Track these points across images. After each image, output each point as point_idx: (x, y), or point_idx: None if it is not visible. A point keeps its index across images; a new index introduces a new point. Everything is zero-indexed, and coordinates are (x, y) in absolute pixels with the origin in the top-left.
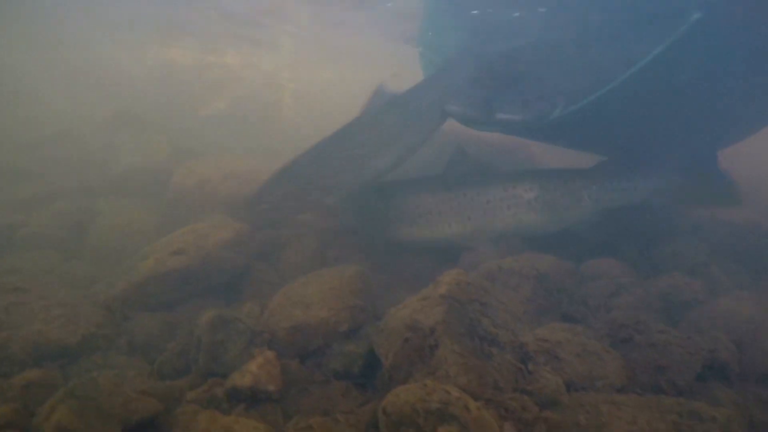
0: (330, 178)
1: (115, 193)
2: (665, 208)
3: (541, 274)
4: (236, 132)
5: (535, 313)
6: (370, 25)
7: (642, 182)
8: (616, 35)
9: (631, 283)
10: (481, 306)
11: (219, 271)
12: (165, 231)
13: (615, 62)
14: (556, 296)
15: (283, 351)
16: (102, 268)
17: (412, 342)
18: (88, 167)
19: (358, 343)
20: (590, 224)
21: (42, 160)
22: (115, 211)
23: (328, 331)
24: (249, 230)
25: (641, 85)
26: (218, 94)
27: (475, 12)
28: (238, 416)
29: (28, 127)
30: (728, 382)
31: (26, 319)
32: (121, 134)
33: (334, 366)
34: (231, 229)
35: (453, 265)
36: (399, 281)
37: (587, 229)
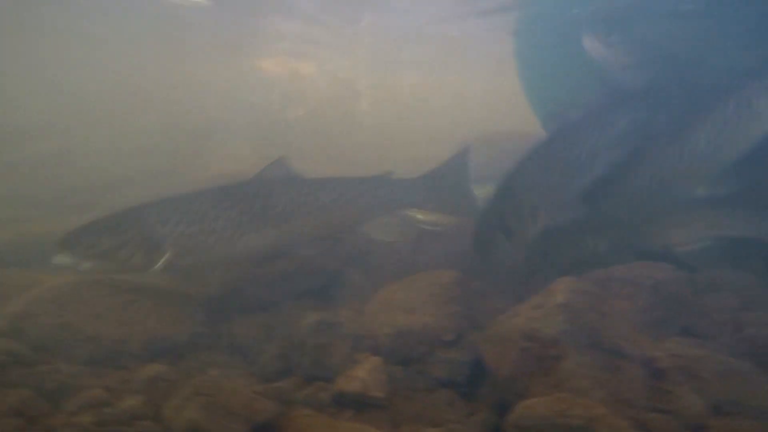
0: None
1: None
2: None
3: (657, 282)
4: (316, 140)
5: (652, 326)
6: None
7: None
8: None
9: (760, 297)
10: (600, 316)
11: (313, 274)
12: None
13: None
14: (675, 308)
15: (386, 357)
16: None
17: (531, 352)
18: (178, 176)
19: (461, 350)
20: None
21: (134, 170)
22: None
23: (432, 337)
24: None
25: None
26: (297, 102)
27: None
28: (351, 422)
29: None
30: None
31: (141, 316)
32: (209, 143)
33: (438, 374)
34: None
35: None
36: (492, 289)
37: None
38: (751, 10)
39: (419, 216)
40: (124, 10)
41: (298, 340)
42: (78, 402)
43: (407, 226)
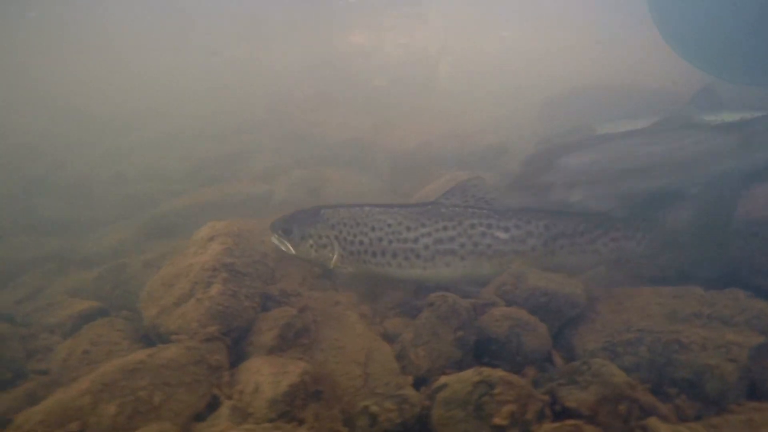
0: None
1: (332, 164)
2: None
3: None
4: (400, 108)
5: None
6: None
7: None
8: None
9: None
10: None
11: None
12: (388, 192)
13: None
14: None
15: None
16: None
17: None
18: (303, 142)
19: None
20: None
21: (264, 137)
22: (342, 178)
23: None
24: None
25: None
26: (382, 73)
27: None
28: None
29: (239, 112)
30: None
31: None
32: (321, 112)
33: None
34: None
35: None
36: None
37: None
38: None
39: None
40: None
41: None
42: None
43: None
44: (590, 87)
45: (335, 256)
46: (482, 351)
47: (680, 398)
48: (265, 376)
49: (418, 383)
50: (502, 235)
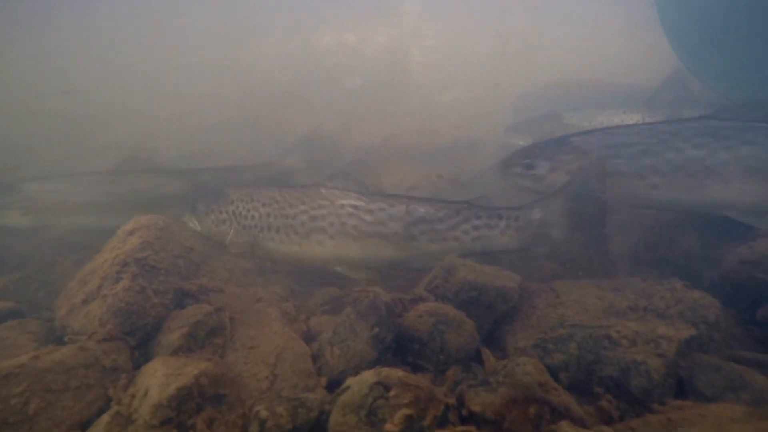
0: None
1: (299, 159)
2: None
3: None
4: (371, 106)
5: None
6: None
7: None
8: None
9: None
10: None
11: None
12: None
13: None
14: None
15: None
16: None
17: None
18: (270, 140)
19: None
20: None
21: (224, 141)
22: (304, 174)
23: None
24: None
25: None
26: (354, 71)
27: None
28: None
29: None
30: None
31: None
32: (290, 110)
33: None
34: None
35: None
36: None
37: None
38: None
39: None
40: None
41: None
42: None
43: None
44: (564, 82)
45: (232, 232)
46: (406, 350)
47: (606, 398)
48: (157, 379)
49: (335, 385)
50: (367, 217)
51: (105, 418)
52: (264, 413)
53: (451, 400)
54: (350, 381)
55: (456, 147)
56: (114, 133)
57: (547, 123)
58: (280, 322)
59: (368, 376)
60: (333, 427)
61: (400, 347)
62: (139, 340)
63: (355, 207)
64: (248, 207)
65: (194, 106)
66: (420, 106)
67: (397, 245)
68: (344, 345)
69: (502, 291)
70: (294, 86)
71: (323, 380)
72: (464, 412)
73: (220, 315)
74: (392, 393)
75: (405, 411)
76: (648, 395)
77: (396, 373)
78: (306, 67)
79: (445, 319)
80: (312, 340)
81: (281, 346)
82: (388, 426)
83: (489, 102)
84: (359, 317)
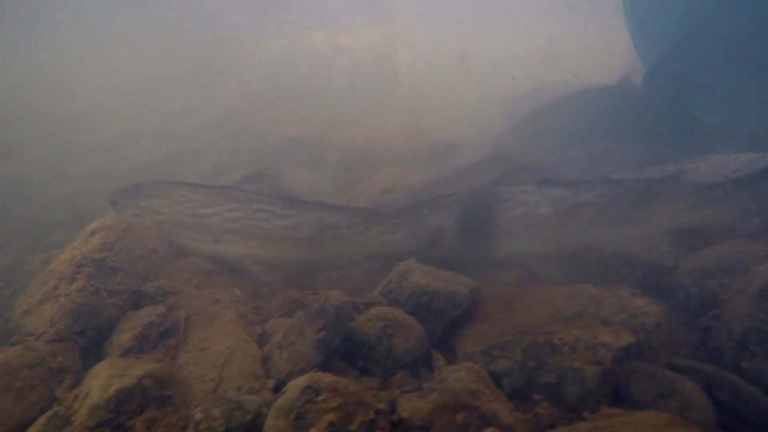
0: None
1: (283, 161)
2: None
3: None
4: (360, 105)
5: None
6: None
7: None
8: None
9: None
10: None
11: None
12: (336, 188)
13: None
14: None
15: None
16: None
17: None
18: (255, 140)
19: None
20: None
21: (207, 139)
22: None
23: None
24: None
25: None
26: (343, 72)
27: None
28: None
29: (200, 110)
30: None
31: None
32: (276, 111)
33: None
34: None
35: None
36: None
37: None
38: None
39: None
40: None
41: None
42: None
43: None
44: (544, 87)
45: None
46: (356, 354)
47: (542, 405)
48: (100, 380)
49: (282, 388)
50: (282, 221)
51: (42, 419)
52: (198, 415)
53: (383, 406)
54: (289, 384)
55: (436, 148)
56: (100, 132)
57: None
58: (235, 324)
59: (301, 380)
60: (266, 430)
61: (351, 351)
62: (90, 340)
63: (272, 212)
64: (162, 203)
65: (180, 106)
66: (407, 107)
67: (312, 249)
68: (292, 348)
69: (452, 296)
70: (280, 88)
71: (271, 383)
72: (395, 417)
73: (174, 316)
74: (321, 397)
75: (331, 416)
76: (581, 402)
77: (327, 378)
78: (293, 69)
79: (393, 323)
80: (267, 343)
81: (231, 348)
82: (313, 431)
83: (478, 105)
84: (308, 321)
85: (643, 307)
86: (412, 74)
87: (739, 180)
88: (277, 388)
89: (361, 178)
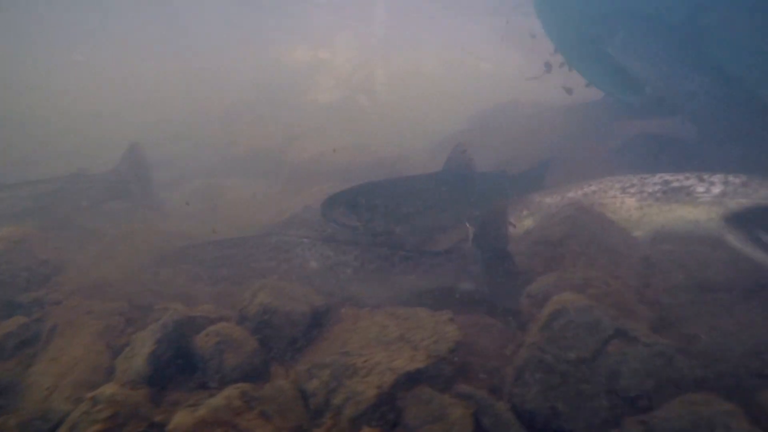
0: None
1: (240, 173)
2: None
3: None
4: (337, 119)
5: None
6: None
7: None
8: None
9: None
10: None
11: None
12: (286, 199)
13: None
14: None
15: None
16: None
17: None
18: (217, 153)
19: None
20: None
21: (175, 149)
22: (238, 186)
23: None
24: None
25: None
26: (317, 87)
27: None
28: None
29: (173, 121)
30: None
31: None
32: (241, 124)
33: None
34: None
35: None
36: None
37: None
38: None
39: None
40: None
41: None
42: None
43: None
44: (510, 102)
45: None
46: (195, 368)
47: (330, 419)
48: None
49: None
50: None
51: None
52: (10, 422)
53: (160, 418)
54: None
55: (379, 164)
56: (77, 137)
57: None
58: (96, 335)
59: (96, 391)
60: None
61: (190, 365)
62: None
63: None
64: None
65: (157, 116)
66: (374, 122)
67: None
68: (132, 360)
69: (290, 316)
70: (252, 101)
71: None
72: (167, 430)
73: (39, 326)
74: (97, 408)
75: (97, 426)
76: (354, 425)
77: (108, 389)
78: (270, 81)
79: (227, 339)
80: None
81: (79, 358)
82: None
83: (441, 121)
84: (151, 333)
85: (447, 333)
86: (384, 91)
87: None
88: None
89: (304, 192)
